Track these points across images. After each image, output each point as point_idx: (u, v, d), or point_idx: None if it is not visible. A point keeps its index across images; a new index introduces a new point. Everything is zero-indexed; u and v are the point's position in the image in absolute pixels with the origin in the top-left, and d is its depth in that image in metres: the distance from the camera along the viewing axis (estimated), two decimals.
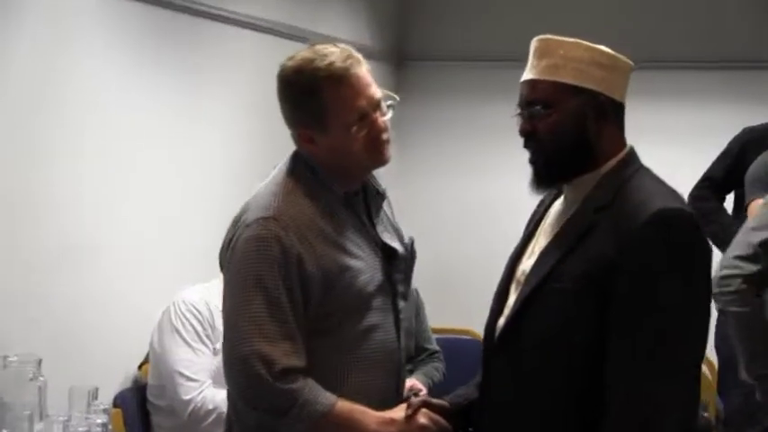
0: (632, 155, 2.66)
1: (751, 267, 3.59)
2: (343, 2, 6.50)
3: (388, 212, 2.99)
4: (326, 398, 2.67)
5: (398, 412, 2.75)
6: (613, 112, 2.62)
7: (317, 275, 2.70)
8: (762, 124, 4.90)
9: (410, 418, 2.72)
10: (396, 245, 2.91)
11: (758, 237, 3.59)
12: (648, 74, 6.60)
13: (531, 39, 2.75)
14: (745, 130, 5.13)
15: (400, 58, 7.21)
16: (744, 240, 3.65)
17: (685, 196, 5.14)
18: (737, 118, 5.75)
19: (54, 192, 4.17)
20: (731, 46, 6.76)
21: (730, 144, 5.13)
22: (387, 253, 2.88)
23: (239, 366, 2.67)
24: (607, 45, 2.75)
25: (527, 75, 2.63)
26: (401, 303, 2.90)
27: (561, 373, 2.50)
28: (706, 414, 5.18)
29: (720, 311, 4.70)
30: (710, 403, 5.35)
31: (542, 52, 2.62)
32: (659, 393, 2.41)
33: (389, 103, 2.85)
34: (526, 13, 6.71)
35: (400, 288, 2.91)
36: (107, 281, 4.36)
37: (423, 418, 2.72)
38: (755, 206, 4.45)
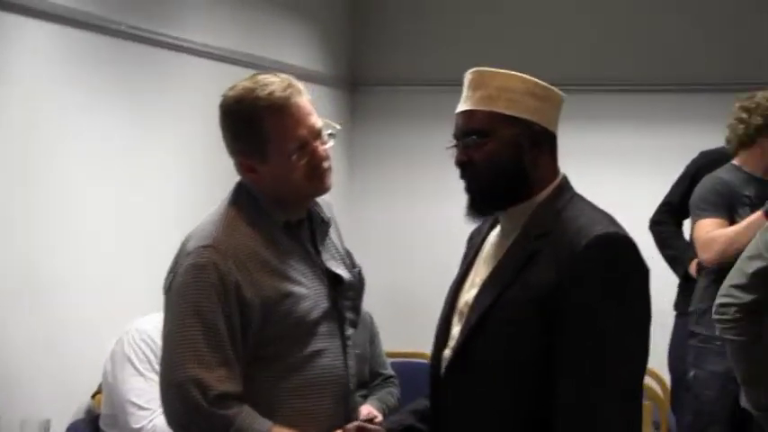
0: (566, 183, 2.69)
1: (746, 296, 3.64)
2: (295, 28, 6.51)
3: (335, 240, 3.00)
4: (261, 424, 2.67)
5: None
6: (547, 142, 2.63)
7: (255, 302, 2.70)
8: (717, 148, 4.95)
9: None
10: (341, 272, 2.91)
11: (752, 266, 3.63)
12: (604, 97, 6.70)
13: (479, 64, 2.76)
14: (701, 153, 5.19)
15: (353, 84, 7.24)
16: (740, 269, 3.69)
17: (643, 219, 5.17)
18: (694, 140, 5.78)
19: (3, 223, 4.13)
20: (686, 68, 6.81)
21: (687, 168, 5.19)
22: (333, 280, 2.88)
23: (175, 392, 2.66)
24: (556, 70, 2.77)
25: (462, 106, 2.64)
26: (349, 330, 2.91)
27: (510, 401, 2.51)
28: None
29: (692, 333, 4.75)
30: (663, 421, 5.39)
31: (477, 84, 2.63)
32: (603, 415, 2.43)
33: (330, 131, 2.85)
34: (476, 40, 6.75)
35: (348, 315, 2.92)
36: (60, 311, 4.31)
37: None
38: (701, 227, 4.53)
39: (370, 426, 2.79)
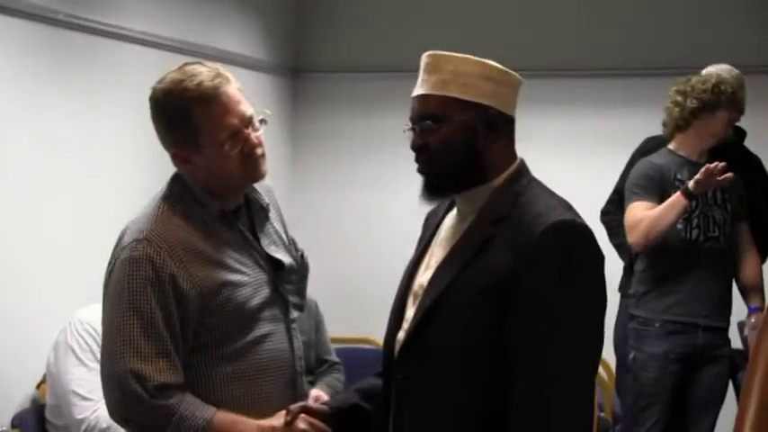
0: (523, 167, 2.68)
1: None
2: (237, 17, 6.50)
3: (276, 225, 3.01)
4: (204, 411, 2.68)
5: (278, 419, 2.74)
6: (504, 126, 2.62)
7: (191, 293, 2.71)
8: (661, 133, 4.98)
9: (290, 423, 2.72)
10: (281, 256, 2.92)
11: None
12: (556, 82, 6.72)
13: (422, 51, 2.76)
14: (646, 139, 5.22)
15: (295, 71, 7.26)
16: None
17: (590, 204, 5.21)
18: (645, 124, 5.74)
19: None
20: (633, 53, 6.84)
21: (632, 155, 5.19)
22: (274, 265, 2.90)
23: (115, 384, 2.67)
24: (499, 56, 2.78)
25: (417, 90, 2.64)
26: (294, 313, 2.93)
27: (464, 384, 2.50)
28: (602, 414, 5.27)
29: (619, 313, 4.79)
30: (607, 403, 5.45)
31: (432, 68, 2.62)
32: (557, 400, 2.43)
33: (261, 118, 2.86)
34: (418, 26, 6.77)
35: (292, 299, 2.93)
36: (3, 301, 4.30)
37: (302, 423, 2.72)
38: (631, 211, 4.57)
39: (314, 405, 2.81)
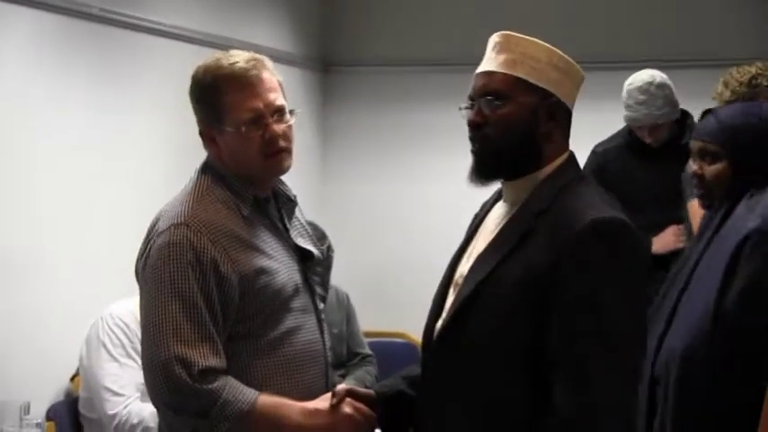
0: (572, 161, 2.68)
1: None
2: (267, 11, 6.51)
3: (300, 218, 3.01)
4: (248, 395, 2.68)
5: (323, 402, 2.74)
6: (563, 116, 2.63)
7: (233, 278, 2.71)
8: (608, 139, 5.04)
9: (335, 407, 2.72)
10: (310, 247, 2.94)
11: None
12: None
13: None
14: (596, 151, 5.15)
15: (325, 65, 7.24)
16: None
17: None
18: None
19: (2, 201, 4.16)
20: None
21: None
22: (302, 255, 2.90)
23: (158, 370, 2.66)
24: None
25: (483, 67, 2.62)
26: (321, 305, 2.94)
27: (497, 375, 2.50)
28: None
29: None
30: None
31: (502, 47, 2.61)
32: (603, 401, 2.43)
33: (291, 110, 2.86)
34: (447, 20, 6.73)
35: (318, 290, 2.94)
36: (37, 295, 4.33)
37: (347, 407, 2.71)
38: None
39: (359, 389, 2.82)
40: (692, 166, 3.32)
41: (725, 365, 3.09)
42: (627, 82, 4.74)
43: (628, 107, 4.68)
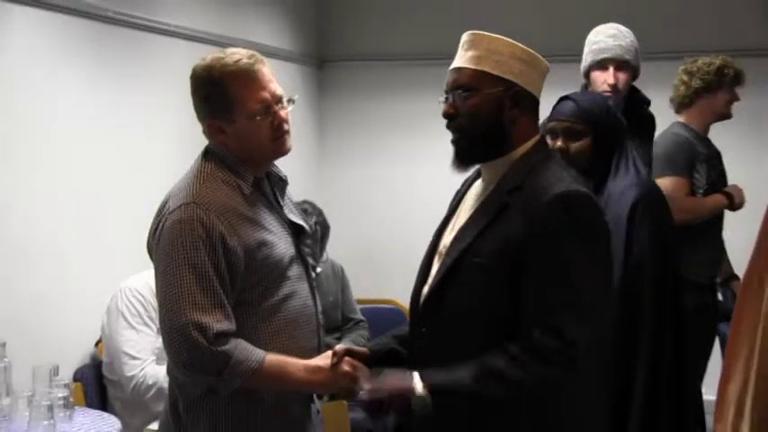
0: (542, 142, 2.73)
1: None
2: (266, 11, 6.50)
3: (289, 196, 3.04)
4: (256, 354, 2.71)
5: (325, 360, 2.79)
6: (528, 103, 2.66)
7: (238, 250, 2.73)
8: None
9: (335, 365, 2.76)
10: (301, 222, 2.98)
11: None
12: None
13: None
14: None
15: (320, 60, 7.25)
16: None
17: None
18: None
19: (15, 188, 4.19)
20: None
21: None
22: (294, 230, 2.94)
23: (177, 335, 2.69)
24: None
25: (454, 63, 2.69)
26: (312, 273, 2.97)
27: (477, 336, 2.53)
28: None
29: None
30: None
31: (469, 45, 2.67)
32: (569, 335, 2.46)
33: (290, 98, 2.90)
34: (432, 18, 6.78)
35: (309, 260, 2.96)
36: (63, 272, 4.38)
37: (346, 365, 2.76)
38: (666, 183, 4.37)
39: (356, 348, 2.86)
40: (555, 143, 3.33)
41: None
42: (593, 32, 4.50)
43: (595, 44, 4.41)
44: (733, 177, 5.02)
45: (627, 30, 4.38)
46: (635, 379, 3.27)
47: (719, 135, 5.06)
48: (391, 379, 2.61)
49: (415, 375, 2.57)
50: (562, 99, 3.40)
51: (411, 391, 2.55)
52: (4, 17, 4.11)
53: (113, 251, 4.66)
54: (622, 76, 4.27)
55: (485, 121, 2.63)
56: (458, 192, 2.86)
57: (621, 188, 3.35)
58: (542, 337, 2.46)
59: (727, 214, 4.76)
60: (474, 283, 2.56)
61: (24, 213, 4.26)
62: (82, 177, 4.59)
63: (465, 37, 2.69)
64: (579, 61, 4.92)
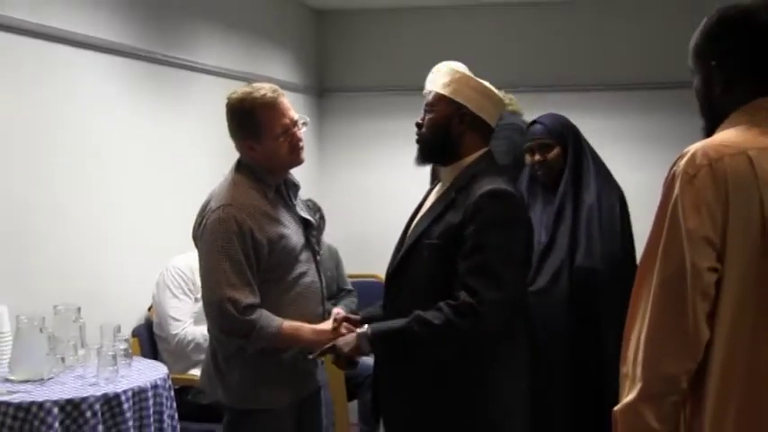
0: (488, 154, 2.71)
1: None
2: (277, 50, 6.47)
3: (301, 197, 3.07)
4: (276, 321, 2.76)
5: (327, 325, 2.84)
6: (476, 124, 2.66)
7: (263, 242, 2.77)
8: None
9: (335, 329, 2.81)
10: (310, 218, 3.00)
11: None
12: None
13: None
14: None
15: (321, 91, 7.22)
16: None
17: None
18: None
19: (99, 188, 4.27)
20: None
21: None
22: (304, 224, 2.97)
23: (215, 307, 2.75)
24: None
25: (426, 88, 2.74)
26: (318, 257, 3.02)
27: (429, 298, 2.55)
28: None
29: None
30: None
31: (438, 75, 2.72)
32: (477, 289, 2.48)
33: (303, 122, 2.92)
34: (415, 57, 6.55)
35: (315, 247, 3.00)
36: (126, 251, 4.45)
37: (343, 328, 2.80)
38: None
39: (351, 316, 2.91)
40: (533, 158, 3.28)
41: None
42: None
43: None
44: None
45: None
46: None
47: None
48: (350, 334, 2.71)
49: (366, 326, 2.67)
50: (532, 123, 3.37)
51: (362, 334, 2.64)
52: (77, 59, 4.14)
53: (162, 238, 4.67)
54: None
55: (436, 132, 2.67)
56: (426, 192, 2.89)
57: (601, 187, 3.29)
58: (462, 295, 2.48)
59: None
60: (427, 259, 2.60)
61: (101, 207, 4.31)
62: (143, 182, 4.66)
63: (435, 69, 2.76)
64: (550, 91, 4.88)
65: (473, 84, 2.68)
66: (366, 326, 2.68)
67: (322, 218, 4.99)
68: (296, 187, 3.03)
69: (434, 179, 2.94)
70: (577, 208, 3.21)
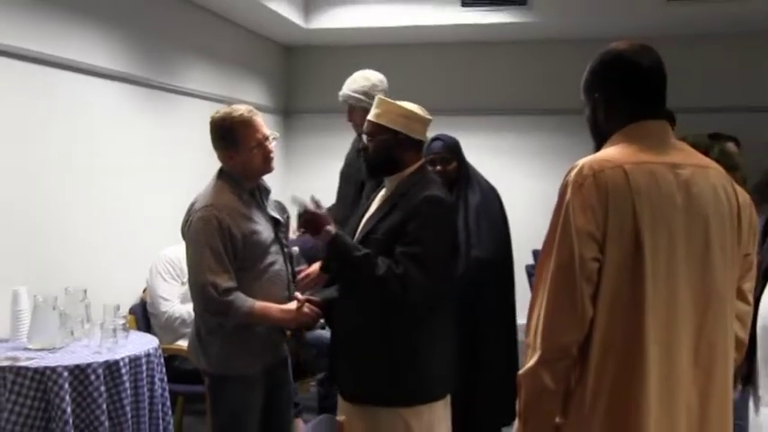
0: (423, 166, 2.69)
1: None
2: (252, 78, 6.44)
3: (272, 199, 3.03)
4: (249, 302, 2.72)
5: (292, 305, 2.81)
6: (410, 144, 2.63)
7: (238, 236, 2.73)
8: None
9: (299, 308, 2.79)
10: (279, 216, 2.96)
11: None
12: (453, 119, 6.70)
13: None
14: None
15: (288, 112, 7.20)
16: None
17: None
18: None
19: (104, 190, 4.26)
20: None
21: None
22: (274, 222, 2.91)
23: (199, 289, 2.72)
24: (430, 101, 2.88)
25: (368, 117, 2.68)
26: (286, 249, 2.95)
27: None
28: None
29: None
30: None
31: (376, 104, 2.66)
32: (409, 271, 2.47)
33: (274, 137, 2.89)
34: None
35: (283, 240, 2.95)
36: (125, 243, 4.47)
37: (306, 308, 2.78)
38: None
39: (312, 297, 2.84)
40: (435, 168, 3.19)
41: None
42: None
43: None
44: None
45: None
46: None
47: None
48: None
49: (335, 230, 2.59)
50: (434, 139, 3.28)
51: (325, 227, 2.58)
52: (75, 85, 4.14)
53: (154, 233, 4.62)
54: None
55: (380, 154, 2.66)
56: (371, 197, 2.85)
57: (486, 190, 3.29)
58: (396, 270, 2.48)
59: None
60: (374, 250, 2.56)
61: (106, 207, 4.32)
62: (140, 186, 4.66)
63: (374, 101, 2.70)
64: (458, 115, 4.93)
65: (400, 111, 2.63)
66: (334, 230, 2.59)
67: (288, 217, 4.91)
68: (267, 191, 2.98)
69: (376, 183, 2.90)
70: (467, 207, 3.22)
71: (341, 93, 3.28)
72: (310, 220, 2.65)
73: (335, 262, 2.64)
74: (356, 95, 3.58)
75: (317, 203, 2.70)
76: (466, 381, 3.01)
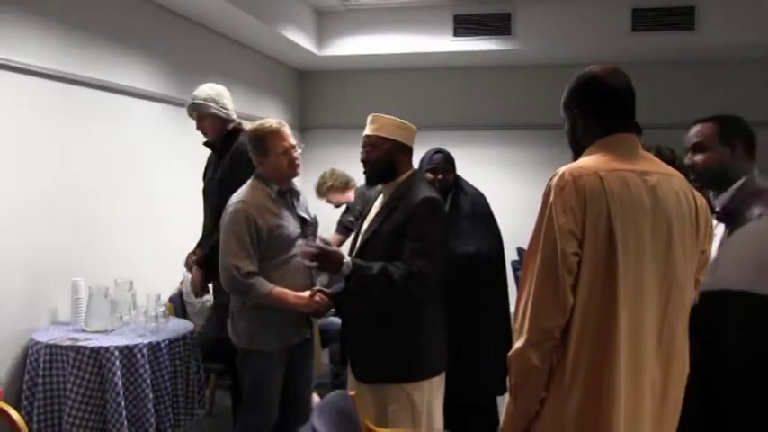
0: (416, 172, 2.67)
1: None
2: (271, 98, 6.36)
3: (303, 201, 3.02)
4: (268, 286, 2.72)
5: (306, 293, 2.78)
6: (406, 151, 2.62)
7: (264, 229, 2.74)
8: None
9: (311, 297, 2.77)
10: (305, 216, 2.95)
11: None
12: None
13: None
14: None
15: (302, 128, 7.08)
16: None
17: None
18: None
19: (142, 199, 4.23)
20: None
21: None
22: (302, 220, 2.92)
23: (225, 271, 2.73)
24: (416, 115, 2.84)
25: (365, 131, 2.66)
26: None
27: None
28: None
29: None
30: None
31: (372, 121, 2.65)
32: (421, 266, 2.46)
33: (300, 146, 2.90)
34: (375, 101, 6.55)
35: (310, 237, 2.95)
36: (165, 241, 4.42)
37: (318, 297, 2.77)
38: None
39: (325, 289, 2.82)
40: (437, 176, 3.18)
41: None
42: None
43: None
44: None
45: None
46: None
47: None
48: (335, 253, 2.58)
49: (348, 259, 2.55)
50: (436, 152, 3.27)
51: (342, 260, 2.51)
52: (133, 107, 4.10)
53: (189, 233, 4.10)
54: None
55: (381, 163, 2.63)
56: (370, 202, 2.82)
57: (475, 195, 3.26)
58: (412, 267, 2.47)
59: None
60: (379, 246, 2.56)
61: (151, 212, 4.32)
62: (177, 195, 4.52)
63: (370, 117, 2.67)
64: (451, 130, 4.88)
65: (395, 123, 2.63)
66: (350, 260, 2.54)
67: (315, 220, 4.92)
68: (297, 194, 2.97)
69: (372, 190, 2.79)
70: (459, 210, 3.20)
71: (189, 104, 3.15)
72: (326, 260, 2.54)
73: (358, 286, 2.54)
74: (206, 103, 3.41)
75: (324, 242, 2.69)
76: (467, 358, 3.00)
